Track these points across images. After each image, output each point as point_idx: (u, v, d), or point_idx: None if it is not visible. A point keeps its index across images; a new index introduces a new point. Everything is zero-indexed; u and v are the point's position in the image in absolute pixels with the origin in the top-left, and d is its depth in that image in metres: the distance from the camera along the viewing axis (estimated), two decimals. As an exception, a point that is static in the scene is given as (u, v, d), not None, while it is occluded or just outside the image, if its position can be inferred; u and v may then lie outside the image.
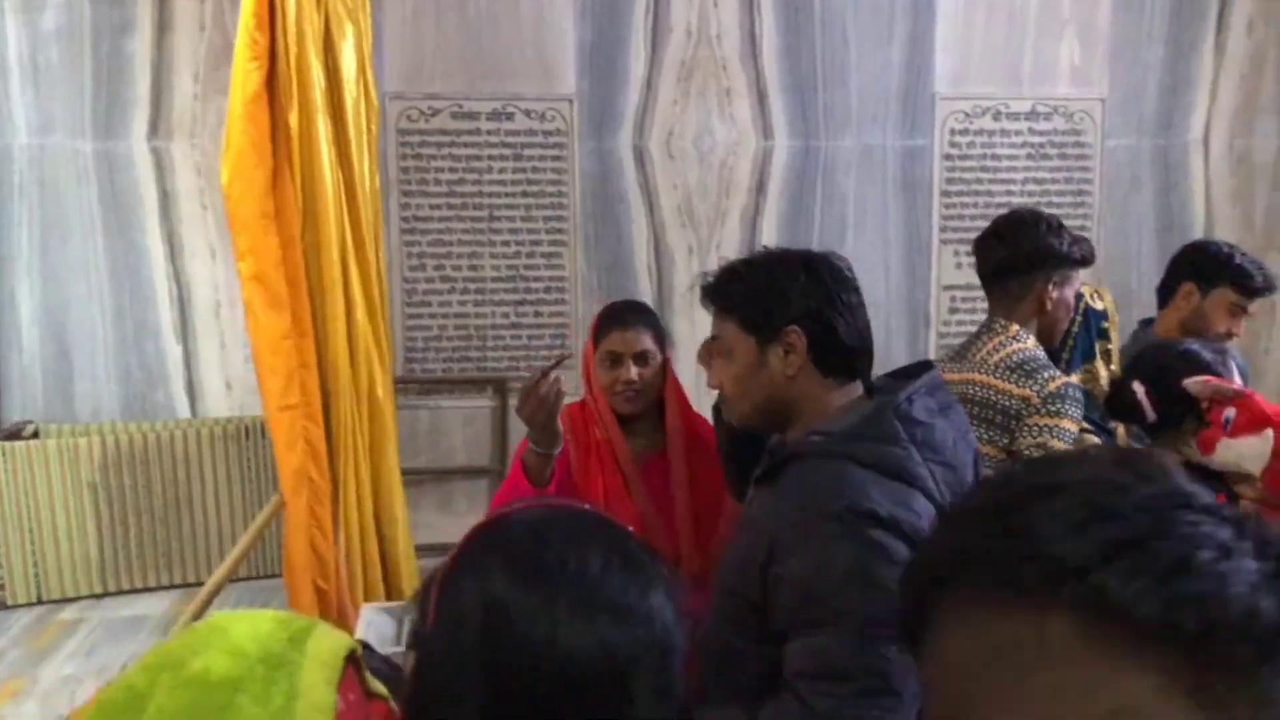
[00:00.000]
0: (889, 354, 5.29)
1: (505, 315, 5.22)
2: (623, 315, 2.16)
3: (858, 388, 1.54)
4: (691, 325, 5.28)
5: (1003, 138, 5.41)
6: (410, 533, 3.49)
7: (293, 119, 3.07)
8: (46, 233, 4.95)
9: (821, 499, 1.36)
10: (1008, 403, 2.16)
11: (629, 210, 5.22)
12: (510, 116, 5.10)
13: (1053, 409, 2.13)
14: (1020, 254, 2.24)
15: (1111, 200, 5.53)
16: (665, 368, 2.15)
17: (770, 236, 5.28)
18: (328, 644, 0.90)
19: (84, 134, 4.91)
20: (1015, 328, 2.25)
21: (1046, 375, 2.18)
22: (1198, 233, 5.51)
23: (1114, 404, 2.20)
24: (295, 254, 3.09)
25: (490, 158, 5.12)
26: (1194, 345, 2.20)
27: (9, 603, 4.48)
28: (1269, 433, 1.84)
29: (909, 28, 5.28)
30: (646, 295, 5.25)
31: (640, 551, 0.94)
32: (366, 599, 3.28)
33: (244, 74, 3.01)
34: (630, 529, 0.98)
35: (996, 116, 5.39)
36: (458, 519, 5.06)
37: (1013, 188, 5.45)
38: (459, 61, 5.05)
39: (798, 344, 1.49)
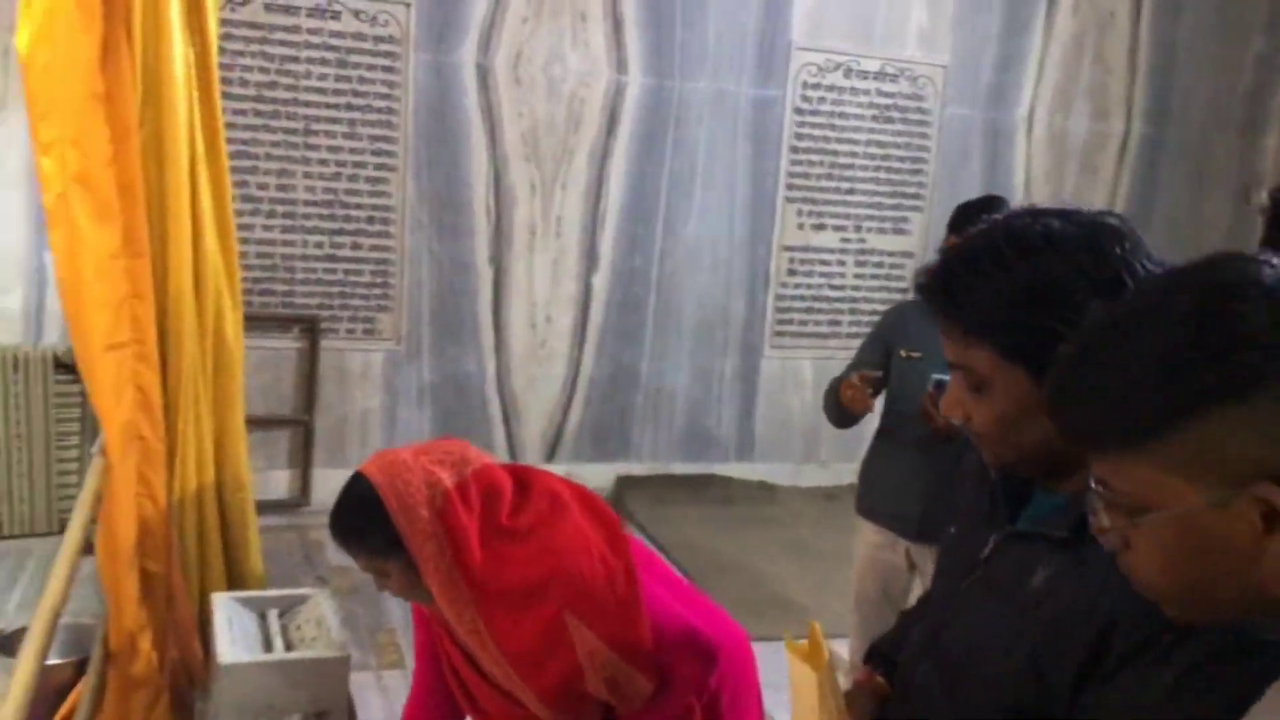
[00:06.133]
0: (726, 314, 5.06)
1: (319, 245, 4.54)
2: (335, 537, 1.65)
3: None
4: (529, 273, 4.81)
5: (852, 96, 5.27)
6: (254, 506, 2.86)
7: (133, -32, 2.36)
8: None
9: None
10: None
11: (468, 137, 4.66)
12: (336, 15, 4.39)
13: None
14: None
15: (944, 170, 5.54)
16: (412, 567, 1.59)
17: (619, 179, 4.89)
18: None
19: None
20: None
21: None
22: (1017, 208, 5.63)
23: None
24: (130, 149, 2.39)
25: (310, 60, 4.40)
26: None
27: None
28: None
29: (770, -31, 5.01)
30: (483, 233, 4.73)
31: None
32: (204, 586, 2.64)
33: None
34: None
35: (848, 74, 5.24)
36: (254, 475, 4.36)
37: (856, 149, 5.33)
38: (277, -57, 4.30)
39: None
